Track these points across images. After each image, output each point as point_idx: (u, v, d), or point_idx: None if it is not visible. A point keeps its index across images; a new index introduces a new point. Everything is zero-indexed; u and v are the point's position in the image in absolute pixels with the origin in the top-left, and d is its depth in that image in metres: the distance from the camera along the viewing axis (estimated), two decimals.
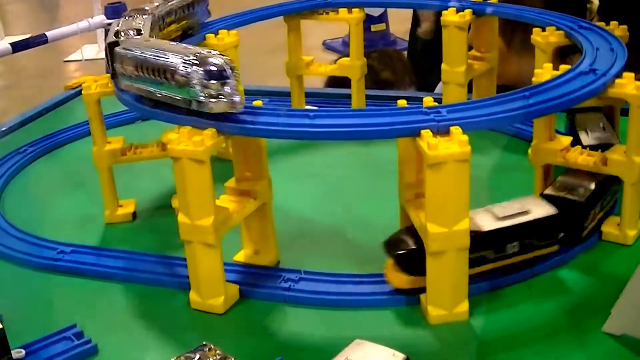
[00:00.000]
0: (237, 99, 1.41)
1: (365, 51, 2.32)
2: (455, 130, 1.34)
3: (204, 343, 1.19)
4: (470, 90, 2.18)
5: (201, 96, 1.39)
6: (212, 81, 1.39)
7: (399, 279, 1.49)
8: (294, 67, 2.31)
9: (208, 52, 1.42)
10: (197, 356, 1.16)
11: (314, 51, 2.67)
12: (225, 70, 1.39)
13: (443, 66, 2.11)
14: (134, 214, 1.88)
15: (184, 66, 1.40)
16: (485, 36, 2.22)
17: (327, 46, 4.25)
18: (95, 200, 1.89)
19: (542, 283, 1.54)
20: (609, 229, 1.65)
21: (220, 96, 1.39)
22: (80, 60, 3.30)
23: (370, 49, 3.97)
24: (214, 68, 1.39)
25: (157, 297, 1.58)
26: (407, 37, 4.36)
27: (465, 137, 1.32)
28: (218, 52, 1.43)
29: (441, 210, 1.36)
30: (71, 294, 1.62)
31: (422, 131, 1.34)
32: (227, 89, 1.40)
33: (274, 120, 1.43)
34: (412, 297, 1.49)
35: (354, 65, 2.28)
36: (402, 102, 1.45)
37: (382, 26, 5.08)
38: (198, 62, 1.40)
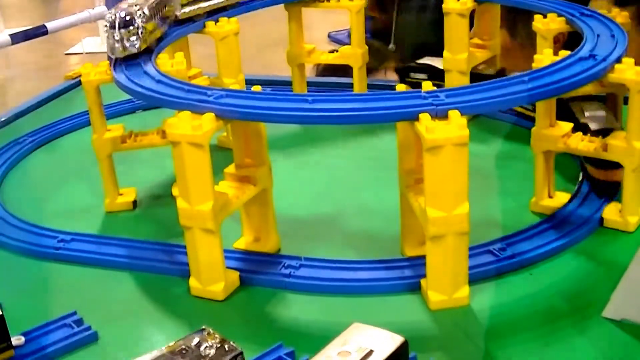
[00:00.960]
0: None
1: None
2: (454, 114, 1.33)
3: (203, 327, 1.19)
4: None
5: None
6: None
7: None
8: (296, 55, 2.30)
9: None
10: (196, 340, 1.16)
11: (319, 44, 2.66)
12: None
13: (445, 53, 2.11)
14: (135, 203, 1.88)
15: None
16: (487, 24, 2.21)
17: (333, 38, 4.23)
18: (96, 189, 1.89)
19: (543, 269, 1.53)
20: (611, 215, 1.65)
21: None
22: (81, 53, 3.29)
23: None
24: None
25: (157, 284, 1.58)
26: None
27: (464, 121, 1.32)
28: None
29: (440, 195, 1.35)
30: (71, 282, 1.61)
31: (421, 115, 1.34)
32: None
33: (273, 104, 1.43)
34: (412, 283, 1.48)
35: (355, 53, 2.28)
36: (401, 87, 1.45)
37: None
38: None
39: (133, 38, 1.68)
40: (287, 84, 2.39)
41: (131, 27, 1.67)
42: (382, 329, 1.15)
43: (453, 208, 1.36)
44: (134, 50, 1.69)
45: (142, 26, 1.68)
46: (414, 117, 1.35)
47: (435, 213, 1.36)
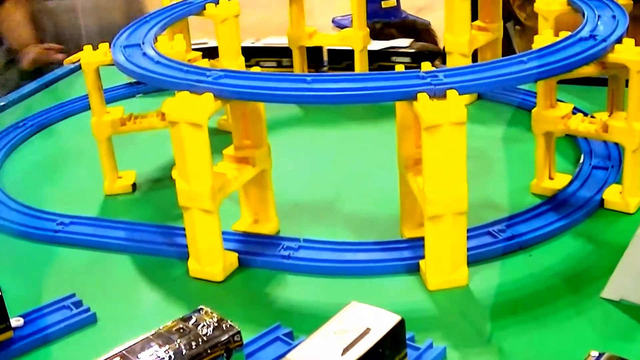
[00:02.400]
0: None
1: (383, 21, 2.31)
2: (452, 93, 1.33)
3: (200, 307, 1.19)
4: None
5: None
6: None
7: None
8: (297, 37, 2.30)
9: None
10: (194, 319, 1.16)
11: (323, 29, 2.66)
12: None
13: (445, 35, 2.10)
14: (134, 186, 1.87)
15: None
16: (490, 7, 2.21)
17: (337, 24, 4.22)
18: (95, 173, 1.88)
19: (542, 250, 1.53)
20: (611, 197, 1.64)
21: None
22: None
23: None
24: None
25: (156, 266, 1.57)
26: (419, 14, 4.31)
27: (462, 100, 1.31)
28: None
29: (438, 174, 1.35)
30: (70, 265, 1.61)
31: (419, 95, 1.34)
32: None
33: (272, 84, 1.42)
34: (411, 264, 1.48)
35: (356, 36, 2.27)
36: (399, 67, 1.45)
37: (392, 2, 5.06)
38: None
39: None
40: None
41: None
42: (379, 308, 1.15)
43: (451, 188, 1.35)
44: None
45: None
46: (412, 97, 1.35)
47: (433, 193, 1.36)
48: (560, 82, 1.65)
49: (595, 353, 1.14)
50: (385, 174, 1.64)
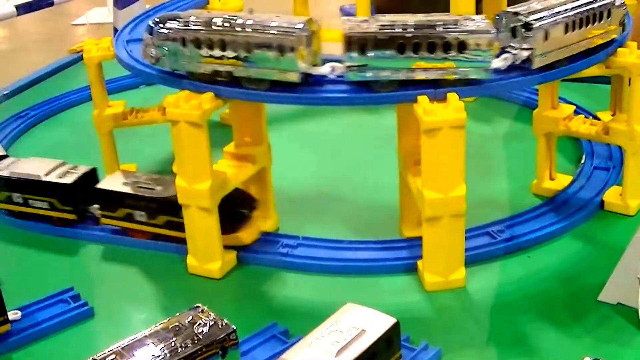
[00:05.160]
0: None
1: None
2: (452, 96, 1.33)
3: (197, 305, 1.20)
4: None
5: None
6: None
7: None
8: None
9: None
10: (190, 317, 1.17)
11: (331, 17, 2.65)
12: None
13: None
14: None
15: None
16: (495, 6, 2.19)
17: (345, 12, 4.21)
18: (96, 165, 1.87)
19: (541, 251, 1.53)
20: (611, 198, 1.64)
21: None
22: (85, 24, 3.27)
23: None
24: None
25: (154, 262, 1.58)
26: None
27: (461, 104, 1.31)
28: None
29: (437, 176, 1.35)
30: (69, 259, 1.62)
31: (419, 97, 1.33)
32: None
33: None
34: (409, 264, 1.48)
35: None
36: None
37: None
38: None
39: None
40: None
41: None
42: (375, 310, 1.15)
43: (450, 190, 1.36)
44: None
45: None
46: (412, 100, 1.35)
47: (431, 195, 1.36)
48: (564, 80, 1.65)
49: (588, 359, 1.14)
50: (386, 171, 1.64)
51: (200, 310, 1.19)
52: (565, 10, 1.40)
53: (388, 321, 1.13)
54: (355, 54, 1.33)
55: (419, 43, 1.31)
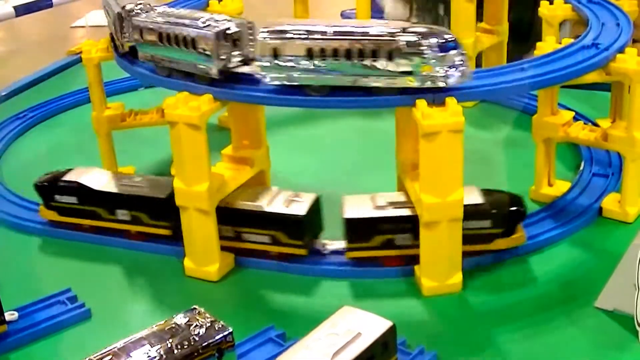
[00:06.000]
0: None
1: None
2: (451, 101, 1.33)
3: (194, 307, 1.20)
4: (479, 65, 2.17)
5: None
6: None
7: None
8: None
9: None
10: (186, 319, 1.17)
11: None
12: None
13: None
14: None
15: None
16: (495, 9, 2.20)
17: (345, 17, 4.22)
18: (96, 165, 1.88)
19: (538, 258, 1.53)
20: (610, 205, 1.64)
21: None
22: (84, 26, 3.26)
23: None
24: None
25: (152, 263, 1.58)
26: None
27: (460, 108, 1.31)
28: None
29: (435, 181, 1.35)
30: (67, 259, 1.62)
31: (418, 101, 1.34)
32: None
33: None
34: (406, 269, 1.48)
35: None
36: None
37: None
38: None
39: None
40: None
41: None
42: (371, 313, 1.15)
43: (447, 194, 1.35)
44: None
45: None
46: (411, 104, 1.35)
47: (429, 199, 1.36)
48: (564, 86, 1.65)
49: None
50: (385, 174, 1.63)
51: (197, 312, 1.19)
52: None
53: (384, 324, 1.13)
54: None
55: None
